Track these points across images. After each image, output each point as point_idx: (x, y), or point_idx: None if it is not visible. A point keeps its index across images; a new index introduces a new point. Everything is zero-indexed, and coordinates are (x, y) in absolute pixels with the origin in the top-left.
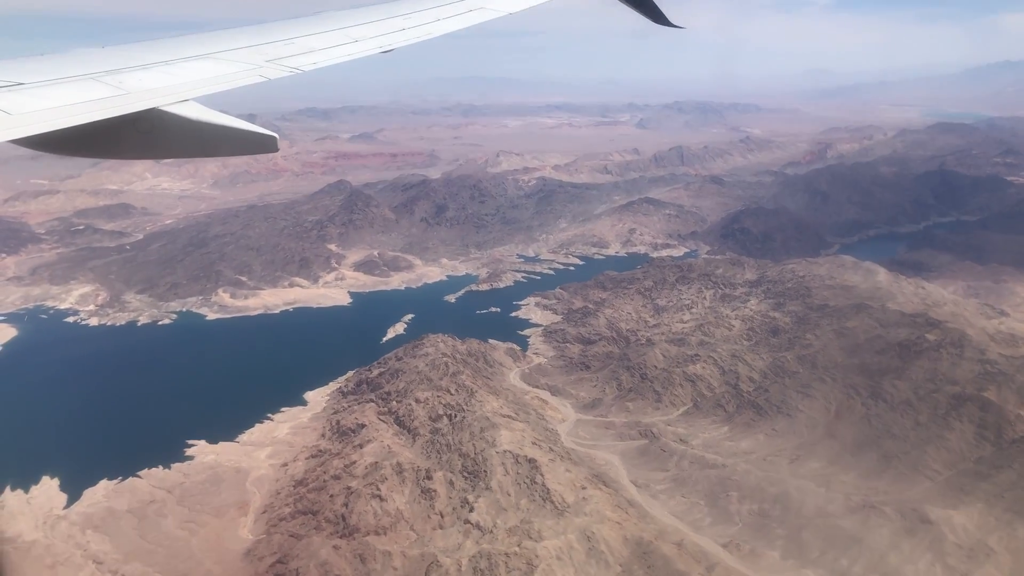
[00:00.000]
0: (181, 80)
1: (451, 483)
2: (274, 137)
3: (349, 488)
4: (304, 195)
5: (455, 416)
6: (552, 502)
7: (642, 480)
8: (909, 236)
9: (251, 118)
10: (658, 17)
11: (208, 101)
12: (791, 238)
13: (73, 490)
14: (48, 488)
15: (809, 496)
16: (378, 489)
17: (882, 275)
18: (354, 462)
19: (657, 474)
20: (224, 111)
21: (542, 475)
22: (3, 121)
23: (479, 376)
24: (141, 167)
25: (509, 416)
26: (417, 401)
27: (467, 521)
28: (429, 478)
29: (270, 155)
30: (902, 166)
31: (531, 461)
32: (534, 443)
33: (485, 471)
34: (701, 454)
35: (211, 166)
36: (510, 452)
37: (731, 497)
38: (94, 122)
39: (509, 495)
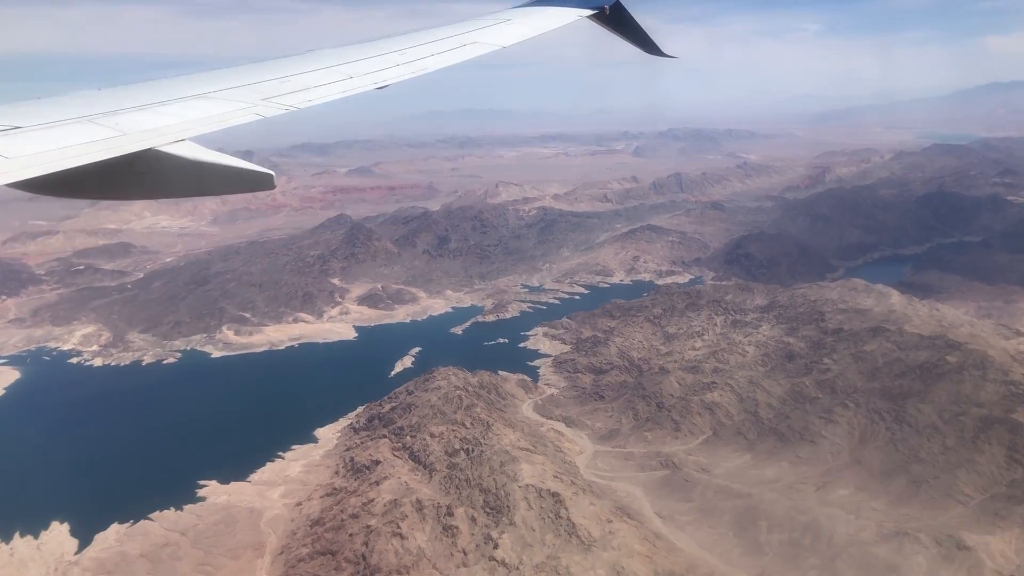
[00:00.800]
0: (177, 120)
1: (473, 519)
2: (270, 175)
3: (368, 527)
4: (305, 230)
5: (472, 450)
6: (578, 536)
7: (667, 512)
8: (913, 258)
9: (248, 155)
10: (651, 48)
11: (204, 140)
12: (796, 262)
13: (84, 535)
14: (58, 533)
15: (840, 524)
16: (398, 527)
17: (895, 298)
18: (372, 500)
19: (682, 505)
20: (221, 149)
21: (566, 509)
22: (1, 165)
23: (493, 409)
24: (140, 206)
25: (527, 449)
26: (432, 436)
27: (492, 558)
28: (450, 515)
29: (269, 191)
30: (902, 188)
31: (555, 495)
32: (555, 476)
33: (508, 506)
34: (725, 484)
35: (210, 203)
36: (532, 486)
37: (760, 527)
38: (91, 164)
39: (534, 530)
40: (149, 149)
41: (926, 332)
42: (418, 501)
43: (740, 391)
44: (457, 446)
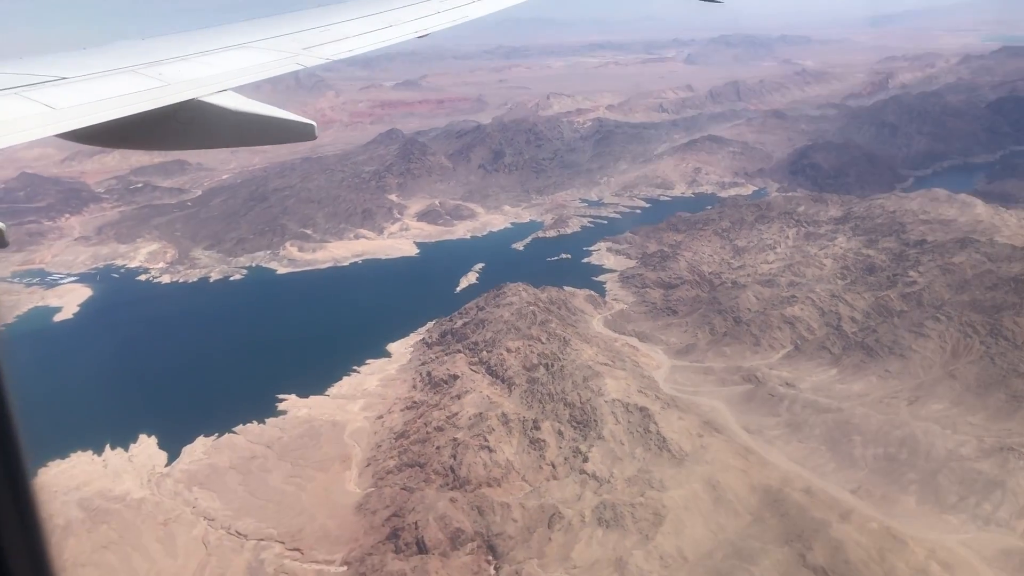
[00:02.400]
0: (219, 70)
1: (560, 433)
2: (312, 125)
3: (455, 440)
4: (357, 145)
5: (551, 365)
6: (669, 451)
7: (754, 426)
8: (986, 166)
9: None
10: None
11: (247, 89)
12: (864, 172)
13: (172, 447)
14: (147, 446)
15: (937, 439)
16: (486, 440)
17: (980, 207)
18: (456, 413)
19: (768, 419)
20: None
21: (655, 423)
22: (48, 116)
23: (566, 324)
24: None
25: (607, 364)
26: (508, 351)
27: (583, 471)
28: (537, 428)
29: (319, 107)
30: (970, 93)
31: (642, 409)
32: (640, 391)
33: (595, 420)
34: (812, 398)
35: None
36: (619, 400)
37: (854, 441)
38: (136, 114)
39: (623, 444)
40: (192, 99)
41: (1019, 243)
42: (503, 415)
43: (821, 304)
44: (535, 361)
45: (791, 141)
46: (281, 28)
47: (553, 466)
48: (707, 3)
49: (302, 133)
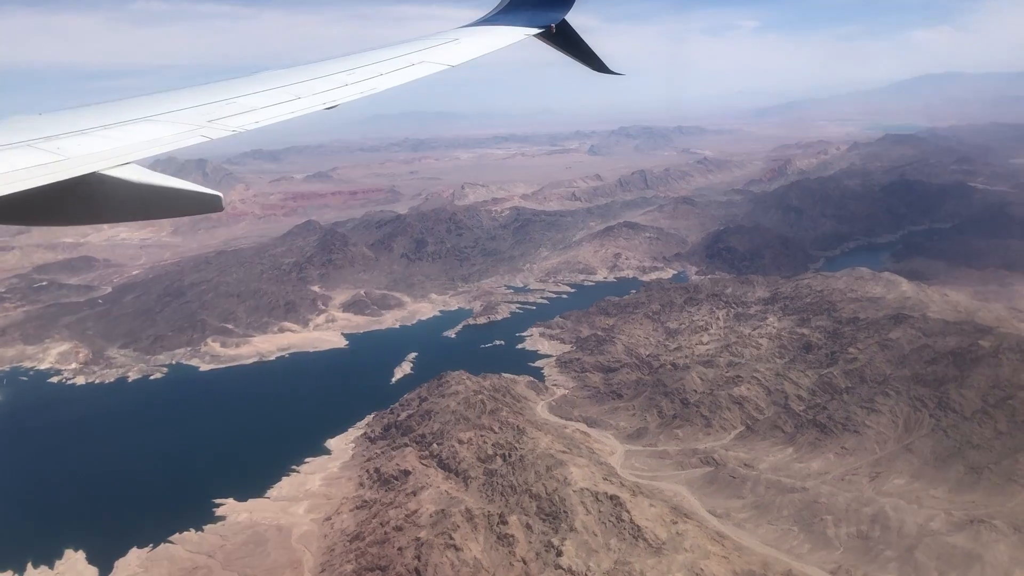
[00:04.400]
0: (121, 143)
1: (528, 527)
2: (218, 197)
3: (418, 539)
4: (273, 237)
5: (509, 455)
6: (645, 539)
7: (720, 509)
8: (888, 245)
9: (201, 163)
10: (598, 65)
11: (151, 158)
12: (778, 254)
13: (102, 562)
14: (75, 562)
15: (907, 514)
16: (451, 538)
17: (905, 285)
18: (415, 511)
19: (734, 502)
20: (172, 157)
21: (628, 512)
22: None
23: (516, 412)
24: None
25: (565, 452)
26: (460, 442)
27: (558, 566)
28: (504, 523)
29: (229, 199)
30: (864, 178)
31: (612, 498)
32: (605, 479)
33: (565, 511)
34: (774, 478)
35: None
36: (587, 490)
37: (825, 521)
38: (32, 189)
39: (596, 535)
40: (93, 173)
41: (950, 318)
42: (467, 510)
43: (767, 384)
44: (490, 452)
45: (703, 226)
46: (185, 101)
47: (524, 562)
48: (605, 93)
49: (209, 204)
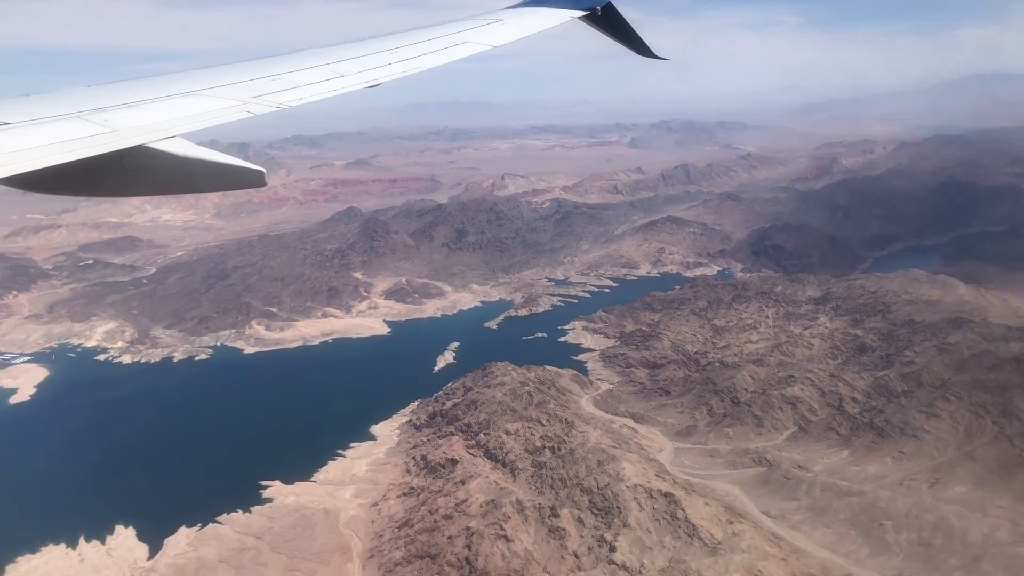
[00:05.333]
0: (167, 117)
1: (580, 521)
2: (261, 172)
3: (468, 528)
4: (315, 223)
5: (557, 448)
6: (700, 539)
7: (774, 511)
8: (937, 248)
9: (244, 147)
10: (642, 49)
11: (195, 135)
12: (826, 254)
13: (152, 539)
14: (125, 538)
15: (971, 523)
16: (502, 529)
17: (963, 288)
18: (464, 500)
19: (788, 503)
20: (215, 140)
21: (683, 510)
22: None
23: (564, 406)
24: (140, 199)
25: (615, 447)
26: (507, 433)
27: (611, 562)
28: (555, 515)
29: (270, 184)
30: (912, 178)
31: (667, 495)
32: (657, 476)
33: (618, 507)
34: (830, 480)
35: (212, 197)
36: (641, 486)
37: (884, 526)
38: (80, 160)
39: (650, 532)
40: (139, 145)
41: (1012, 323)
42: (518, 501)
43: (820, 385)
44: (538, 444)
45: (748, 223)
46: (231, 77)
47: (576, 556)
48: (642, 87)
49: (251, 179)
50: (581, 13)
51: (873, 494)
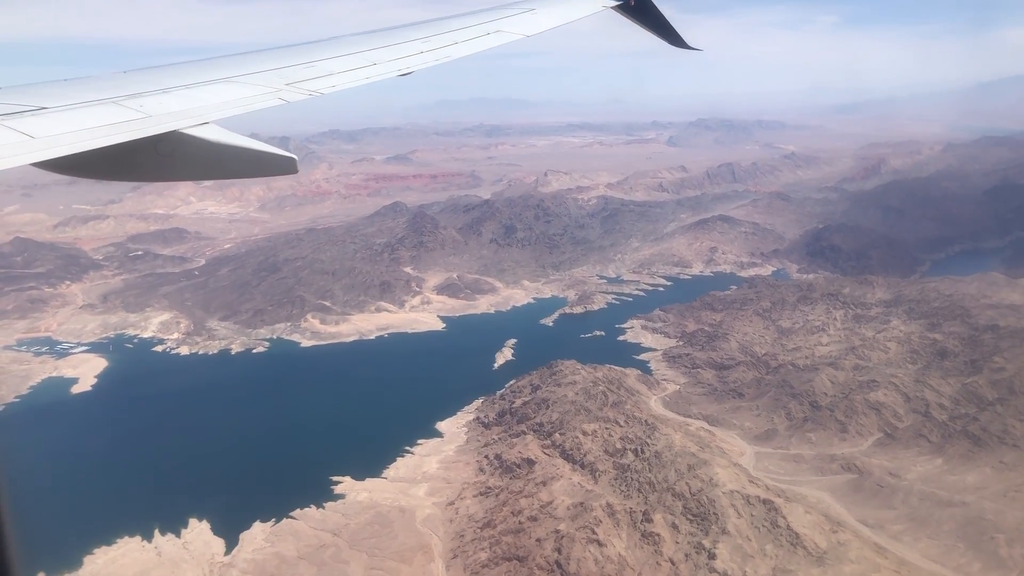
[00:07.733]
0: (201, 103)
1: (674, 526)
2: (293, 159)
3: (558, 531)
4: (360, 217)
5: (641, 451)
6: (804, 548)
7: (871, 520)
8: (996, 251)
9: (284, 140)
10: (676, 40)
11: (231, 125)
12: (884, 255)
13: (228, 534)
14: (200, 532)
15: None
16: (594, 532)
17: None
18: (549, 502)
19: (885, 512)
20: (255, 133)
21: (784, 517)
22: (27, 145)
23: (641, 406)
24: (185, 191)
25: (702, 450)
26: (584, 434)
27: (712, 570)
28: (648, 520)
29: (313, 178)
30: (963, 180)
31: (766, 502)
32: (751, 481)
33: (715, 513)
34: (927, 489)
35: (256, 189)
36: (738, 492)
37: (996, 540)
38: (115, 144)
39: (750, 540)
40: (173, 131)
41: None
42: (608, 505)
43: (905, 390)
44: (619, 445)
45: (800, 223)
46: (264, 63)
47: (673, 563)
48: (679, 84)
49: (283, 167)
50: (614, 3)
51: (977, 505)
